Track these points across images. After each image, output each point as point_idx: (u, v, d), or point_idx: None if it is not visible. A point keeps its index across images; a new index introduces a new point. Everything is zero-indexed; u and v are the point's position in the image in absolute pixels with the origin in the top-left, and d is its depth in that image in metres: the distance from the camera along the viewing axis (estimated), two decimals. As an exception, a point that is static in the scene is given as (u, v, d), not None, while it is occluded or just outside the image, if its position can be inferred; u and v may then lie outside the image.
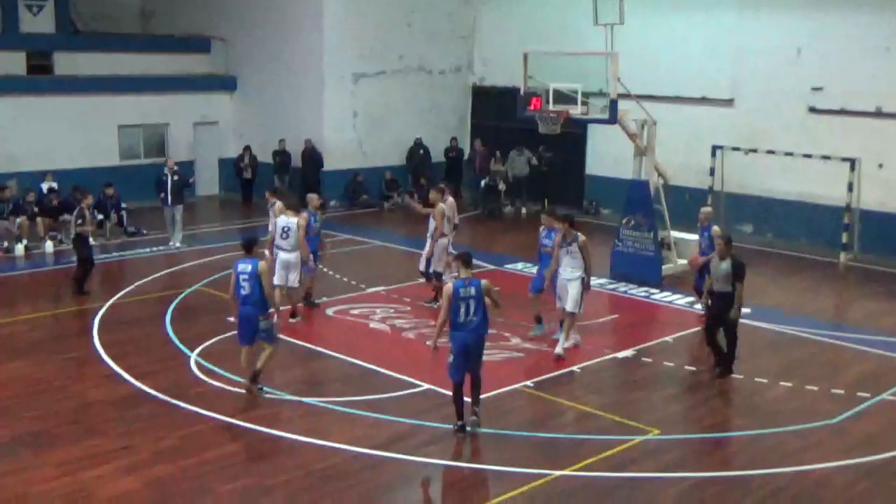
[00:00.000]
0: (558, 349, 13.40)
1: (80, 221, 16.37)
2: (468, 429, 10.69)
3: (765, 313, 15.82)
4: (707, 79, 22.60)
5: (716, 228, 14.91)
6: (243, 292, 11.56)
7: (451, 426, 10.73)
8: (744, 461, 10.33)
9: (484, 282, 10.65)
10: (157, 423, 10.91)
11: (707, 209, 15.82)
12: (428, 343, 11.46)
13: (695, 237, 19.24)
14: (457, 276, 14.35)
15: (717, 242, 12.99)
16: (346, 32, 25.00)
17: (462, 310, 10.41)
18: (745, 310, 15.89)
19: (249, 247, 11.88)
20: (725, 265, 12.60)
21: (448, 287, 10.70)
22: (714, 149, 22.35)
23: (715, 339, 12.85)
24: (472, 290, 10.45)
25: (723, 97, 22.48)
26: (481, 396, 10.94)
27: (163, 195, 20.06)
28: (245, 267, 11.57)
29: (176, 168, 20.51)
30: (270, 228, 15.31)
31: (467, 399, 10.74)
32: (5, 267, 18.59)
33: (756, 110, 21.87)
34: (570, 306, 13.32)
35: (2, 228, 19.46)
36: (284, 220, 14.51)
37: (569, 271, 13.39)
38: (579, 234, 13.42)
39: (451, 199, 15.87)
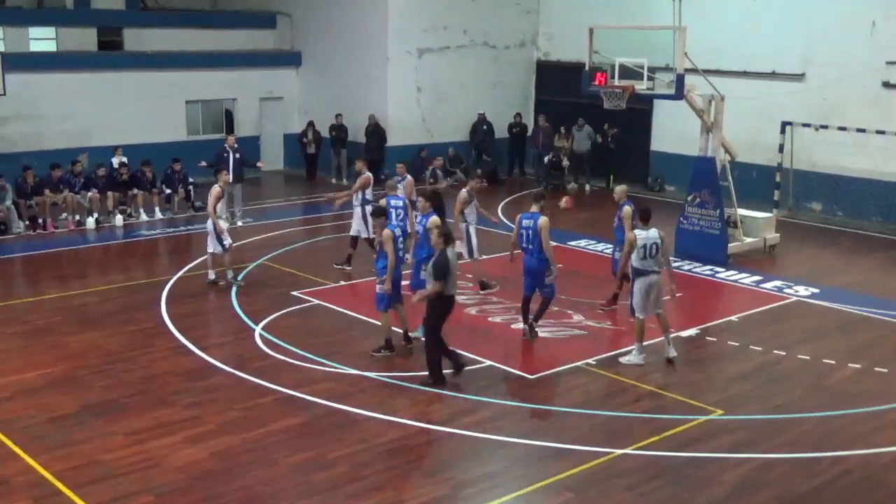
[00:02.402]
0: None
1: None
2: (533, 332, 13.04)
3: (834, 294, 15.51)
4: (777, 53, 22.11)
5: (626, 209, 14.09)
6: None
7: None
8: (810, 443, 10.15)
9: (542, 220, 12.69)
10: (222, 395, 11.11)
11: (621, 187, 14.85)
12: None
13: (762, 215, 18.97)
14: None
15: (434, 232, 11.35)
16: (410, 7, 24.98)
17: (523, 236, 12.77)
18: (812, 289, 15.70)
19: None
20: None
21: (519, 217, 12.98)
22: (783, 125, 21.87)
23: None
24: (532, 223, 12.72)
25: (793, 72, 21.97)
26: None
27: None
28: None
29: (237, 146, 20.60)
30: (220, 208, 15.71)
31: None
32: (77, 240, 19.03)
33: (828, 85, 21.32)
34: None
35: (74, 202, 19.90)
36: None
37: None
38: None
39: (409, 178, 16.90)
